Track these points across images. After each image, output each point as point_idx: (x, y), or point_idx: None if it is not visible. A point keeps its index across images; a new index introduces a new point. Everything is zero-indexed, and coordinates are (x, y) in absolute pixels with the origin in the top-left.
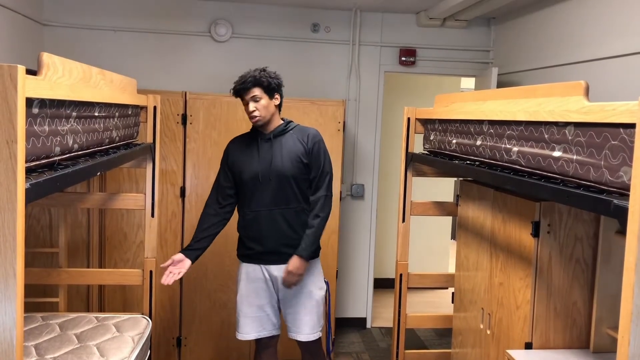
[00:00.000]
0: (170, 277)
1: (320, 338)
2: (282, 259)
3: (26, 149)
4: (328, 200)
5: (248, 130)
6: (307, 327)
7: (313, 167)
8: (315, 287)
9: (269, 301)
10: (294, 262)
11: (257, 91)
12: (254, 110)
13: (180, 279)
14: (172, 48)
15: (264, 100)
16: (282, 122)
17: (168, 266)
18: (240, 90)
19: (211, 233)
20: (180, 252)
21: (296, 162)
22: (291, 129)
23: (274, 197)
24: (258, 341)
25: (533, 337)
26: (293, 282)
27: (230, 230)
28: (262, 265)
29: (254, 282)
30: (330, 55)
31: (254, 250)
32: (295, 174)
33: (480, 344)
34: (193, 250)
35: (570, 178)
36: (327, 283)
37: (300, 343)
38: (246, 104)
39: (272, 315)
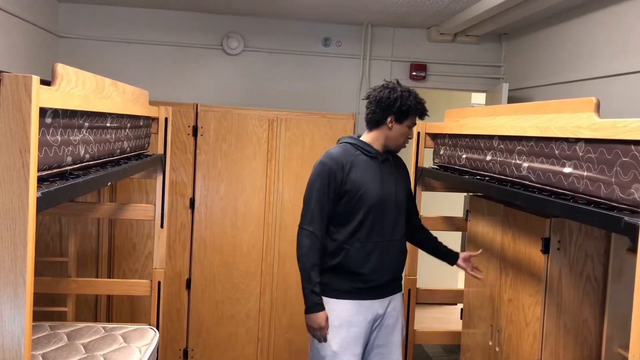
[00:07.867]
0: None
1: None
2: (393, 290)
3: (38, 158)
4: None
5: (259, 143)
6: None
7: (411, 194)
8: (403, 320)
9: (363, 347)
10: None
11: None
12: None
13: (188, 290)
14: (185, 60)
15: None
16: None
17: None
18: (423, 116)
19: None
20: (322, 312)
21: (408, 190)
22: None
23: (394, 227)
24: None
25: (542, 355)
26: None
27: (239, 242)
28: (369, 302)
29: (355, 326)
30: (341, 69)
31: (369, 284)
32: (406, 202)
33: None
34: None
35: (580, 194)
36: None
37: None
38: (411, 127)
39: None
